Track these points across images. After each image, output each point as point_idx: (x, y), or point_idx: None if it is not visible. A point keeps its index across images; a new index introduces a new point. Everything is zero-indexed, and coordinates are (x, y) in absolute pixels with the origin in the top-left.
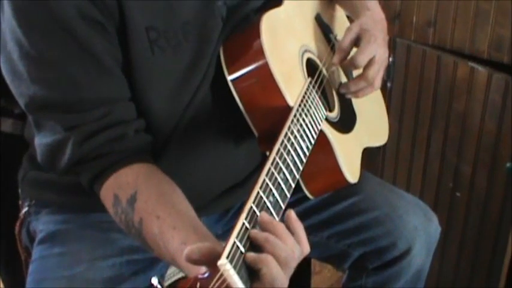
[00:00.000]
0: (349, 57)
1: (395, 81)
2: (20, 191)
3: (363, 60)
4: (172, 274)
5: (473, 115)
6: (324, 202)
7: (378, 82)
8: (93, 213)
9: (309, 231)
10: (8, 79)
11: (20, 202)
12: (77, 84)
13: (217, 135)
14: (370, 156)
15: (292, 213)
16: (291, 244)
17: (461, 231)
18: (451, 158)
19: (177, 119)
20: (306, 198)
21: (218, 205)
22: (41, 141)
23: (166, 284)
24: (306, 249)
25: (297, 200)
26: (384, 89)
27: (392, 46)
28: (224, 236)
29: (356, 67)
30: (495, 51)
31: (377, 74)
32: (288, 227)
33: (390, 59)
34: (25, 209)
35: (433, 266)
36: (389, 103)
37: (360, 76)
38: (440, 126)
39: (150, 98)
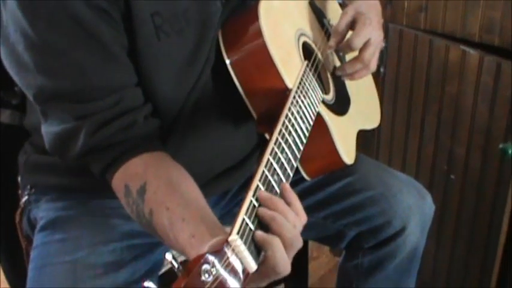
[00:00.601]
0: (345, 40)
1: (388, 66)
2: (19, 178)
3: (358, 42)
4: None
5: (465, 97)
6: (319, 183)
7: (374, 64)
8: (93, 200)
9: (306, 212)
10: (12, 71)
11: (20, 191)
12: (86, 72)
13: (218, 118)
14: (365, 140)
15: (286, 185)
16: (292, 218)
17: (456, 213)
18: (444, 141)
19: (182, 103)
20: (302, 179)
21: (217, 186)
22: (48, 129)
23: (167, 267)
24: (304, 218)
25: (293, 181)
26: (377, 74)
27: (384, 31)
28: (222, 219)
29: (352, 49)
30: (486, 34)
31: (372, 56)
32: (284, 198)
33: (383, 44)
34: (25, 198)
35: (429, 249)
36: (383, 88)
37: (356, 58)
38: (433, 109)
39: (155, 83)
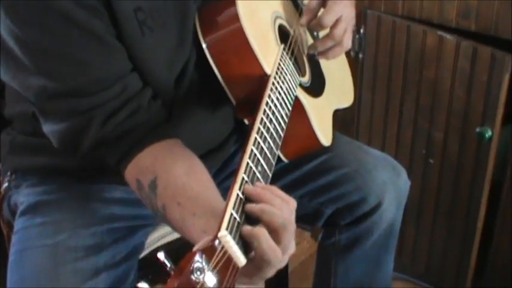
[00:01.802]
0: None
1: (366, 52)
2: (1, 164)
3: (329, 19)
4: (153, 242)
5: (443, 82)
6: (295, 162)
7: (347, 41)
8: (74, 184)
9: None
10: (8, 76)
11: (0, 178)
12: (88, 67)
13: (199, 102)
14: (344, 125)
15: (258, 183)
16: (279, 205)
17: (435, 196)
18: (423, 125)
19: (168, 91)
20: (278, 160)
21: None
22: (53, 127)
23: (147, 251)
24: (292, 203)
25: None
26: (356, 60)
27: (362, 18)
28: None
29: (323, 27)
30: (463, 20)
31: (344, 32)
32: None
33: (361, 31)
34: (5, 184)
35: (408, 232)
36: (361, 74)
37: (327, 35)
38: (411, 94)
39: (141, 75)
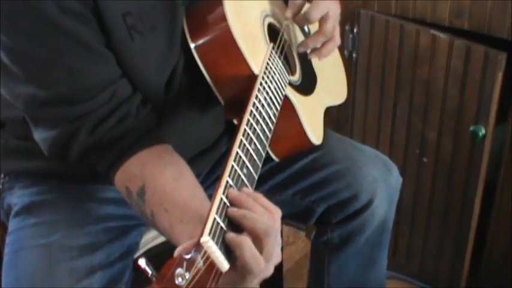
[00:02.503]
0: (302, 12)
1: (360, 52)
2: None
3: (315, 14)
4: (147, 242)
5: (436, 81)
6: (286, 161)
7: (338, 38)
8: (67, 185)
9: (274, 190)
10: None
11: None
12: (77, 75)
13: (189, 104)
14: (338, 125)
15: (245, 189)
16: (262, 212)
17: (429, 195)
18: (416, 125)
19: (158, 94)
20: (269, 159)
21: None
22: (43, 135)
23: (141, 251)
24: (276, 213)
25: None
26: (349, 59)
27: (356, 17)
28: None
29: (309, 21)
30: (456, 19)
31: (333, 28)
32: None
33: (355, 30)
34: None
35: (402, 231)
36: (355, 73)
37: (317, 31)
38: (405, 94)
39: (131, 79)
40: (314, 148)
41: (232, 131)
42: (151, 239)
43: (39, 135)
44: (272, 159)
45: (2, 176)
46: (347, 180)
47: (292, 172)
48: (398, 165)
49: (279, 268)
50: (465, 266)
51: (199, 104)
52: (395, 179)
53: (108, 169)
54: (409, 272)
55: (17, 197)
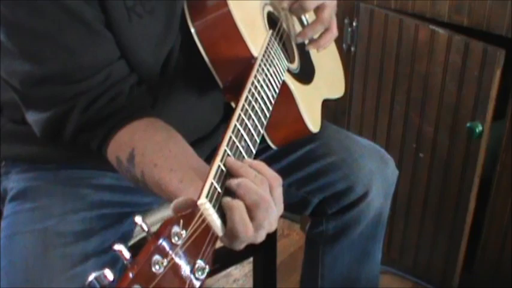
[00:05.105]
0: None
1: (359, 46)
2: None
3: (311, 3)
4: (141, 230)
5: (434, 77)
6: (282, 150)
7: (335, 28)
8: (63, 170)
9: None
10: None
11: None
12: (75, 53)
13: (187, 89)
14: (335, 118)
15: (246, 160)
16: (259, 181)
17: (424, 190)
18: (414, 119)
19: (154, 77)
20: (266, 148)
21: None
22: (36, 117)
23: (136, 239)
24: (275, 180)
25: (258, 150)
26: (348, 53)
27: (355, 11)
28: None
29: (305, 9)
30: (455, 14)
31: (331, 17)
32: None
33: (354, 24)
34: None
35: (397, 225)
36: (353, 67)
37: (315, 20)
38: (403, 88)
39: (127, 61)
40: (311, 137)
41: None
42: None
43: (31, 116)
44: (269, 149)
45: None
46: (343, 172)
47: (288, 162)
48: (394, 160)
49: (272, 260)
50: (459, 261)
51: (196, 89)
52: (392, 171)
53: (100, 145)
54: (403, 266)
55: (13, 182)
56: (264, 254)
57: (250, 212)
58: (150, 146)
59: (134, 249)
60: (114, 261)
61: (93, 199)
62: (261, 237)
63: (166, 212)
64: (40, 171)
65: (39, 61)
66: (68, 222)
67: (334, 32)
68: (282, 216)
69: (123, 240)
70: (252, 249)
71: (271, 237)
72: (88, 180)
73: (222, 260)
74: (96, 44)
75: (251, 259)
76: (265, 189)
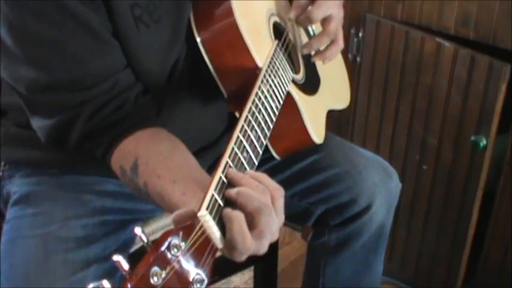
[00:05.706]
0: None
1: (364, 56)
2: None
3: (318, 14)
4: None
5: (439, 89)
6: (286, 161)
7: (341, 41)
8: (66, 176)
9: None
10: None
11: None
12: (81, 61)
13: (191, 99)
14: (339, 128)
15: (248, 172)
16: (260, 190)
17: (427, 202)
18: (418, 131)
19: (160, 86)
20: (269, 158)
21: None
22: (41, 123)
23: (137, 246)
24: (277, 191)
25: (261, 160)
26: (353, 63)
27: (361, 22)
28: None
29: (311, 21)
30: (461, 28)
31: (337, 29)
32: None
33: (360, 34)
34: None
35: (399, 236)
36: (358, 77)
37: (321, 32)
38: (408, 100)
39: (134, 70)
40: (315, 148)
41: None
42: (147, 235)
43: (36, 122)
44: (272, 159)
45: (3, 164)
46: (346, 184)
47: (291, 173)
48: (397, 171)
49: (273, 268)
50: (460, 274)
51: (201, 98)
52: (395, 184)
53: (105, 153)
54: (404, 277)
55: (17, 186)
56: (265, 261)
57: (253, 219)
58: (154, 156)
59: (136, 256)
60: (116, 269)
61: (96, 205)
62: (263, 248)
63: (168, 219)
64: (43, 176)
65: (46, 68)
66: (70, 228)
67: (340, 44)
68: (283, 224)
69: (125, 247)
70: (253, 257)
71: (273, 245)
72: (91, 186)
73: (222, 269)
74: (103, 52)
75: (252, 266)
76: (266, 198)
